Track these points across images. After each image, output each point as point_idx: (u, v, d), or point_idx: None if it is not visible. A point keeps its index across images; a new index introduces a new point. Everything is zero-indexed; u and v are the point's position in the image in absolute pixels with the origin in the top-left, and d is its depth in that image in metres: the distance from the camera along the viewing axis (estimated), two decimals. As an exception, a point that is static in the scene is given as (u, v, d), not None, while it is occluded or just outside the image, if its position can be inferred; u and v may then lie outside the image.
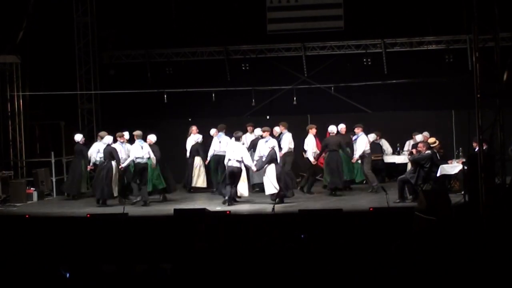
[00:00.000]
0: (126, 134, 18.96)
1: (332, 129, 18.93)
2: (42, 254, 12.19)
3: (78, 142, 19.82)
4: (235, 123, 20.48)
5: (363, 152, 19.06)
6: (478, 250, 10.88)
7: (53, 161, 20.68)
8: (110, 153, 18.32)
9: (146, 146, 18.19)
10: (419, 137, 19.25)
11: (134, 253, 12.99)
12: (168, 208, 16.97)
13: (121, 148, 18.62)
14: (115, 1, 22.98)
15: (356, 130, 19.39)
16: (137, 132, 18.37)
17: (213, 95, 22.18)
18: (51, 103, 22.53)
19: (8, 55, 21.44)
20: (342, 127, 19.34)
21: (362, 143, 19.11)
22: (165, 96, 22.24)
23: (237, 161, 17.49)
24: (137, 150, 18.15)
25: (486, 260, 10.22)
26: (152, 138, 18.52)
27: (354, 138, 19.33)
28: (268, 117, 22.16)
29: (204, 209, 15.24)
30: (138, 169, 18.14)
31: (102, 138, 19.05)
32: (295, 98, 22.07)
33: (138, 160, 18.12)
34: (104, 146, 18.68)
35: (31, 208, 18.74)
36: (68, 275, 10.09)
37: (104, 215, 15.79)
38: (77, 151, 19.83)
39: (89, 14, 22.76)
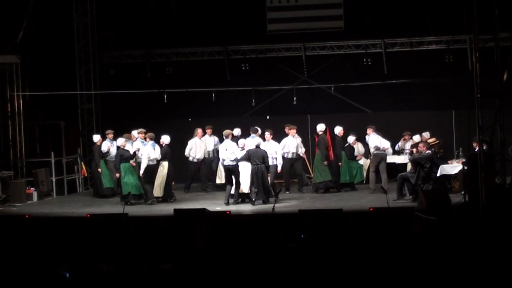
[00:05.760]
0: (134, 133, 19.07)
1: (321, 127, 19.10)
2: (42, 254, 12.18)
3: (96, 143, 19.91)
4: (235, 123, 20.46)
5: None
6: (478, 250, 10.88)
7: (53, 161, 20.69)
8: (121, 155, 18.46)
9: (157, 148, 18.25)
10: (416, 138, 19.28)
11: (134, 253, 12.98)
12: (168, 208, 16.98)
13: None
14: (115, 1, 22.98)
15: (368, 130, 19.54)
16: (150, 134, 18.44)
17: (213, 95, 22.19)
18: (51, 103, 22.54)
19: (8, 55, 21.46)
20: (340, 130, 19.45)
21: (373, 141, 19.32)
22: (165, 96, 22.25)
23: (230, 160, 17.65)
24: (150, 151, 18.21)
25: (486, 260, 10.22)
26: (165, 139, 18.62)
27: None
28: (268, 117, 22.17)
29: (204, 209, 15.25)
30: (150, 171, 18.15)
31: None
32: (295, 98, 22.08)
33: (149, 162, 18.14)
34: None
35: (31, 208, 18.74)
36: (68, 275, 10.09)
37: (104, 215, 15.79)
38: (94, 152, 19.99)
39: (89, 14, 22.78)
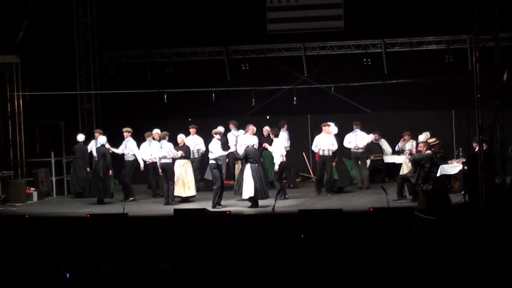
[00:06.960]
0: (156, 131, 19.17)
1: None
2: (42, 254, 12.18)
3: (80, 142, 19.91)
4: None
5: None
6: (478, 250, 10.87)
7: (53, 161, 20.68)
8: (104, 154, 18.61)
9: (165, 145, 18.24)
10: (422, 137, 19.29)
11: (134, 253, 12.98)
12: (168, 208, 16.99)
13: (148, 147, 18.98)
14: (115, 1, 22.99)
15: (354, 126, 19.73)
16: (163, 133, 18.52)
17: (213, 95, 22.18)
18: (51, 103, 22.54)
19: (8, 55, 21.45)
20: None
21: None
22: (165, 96, 22.25)
23: (212, 159, 17.80)
24: (156, 150, 18.30)
25: (486, 260, 10.22)
26: (184, 138, 18.80)
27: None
28: (268, 117, 22.16)
29: (204, 209, 15.25)
30: (162, 168, 18.24)
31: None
32: (295, 98, 22.07)
33: (162, 160, 18.20)
34: (99, 145, 18.88)
35: (31, 208, 18.74)
36: (68, 275, 10.08)
37: (104, 215, 15.79)
38: (79, 151, 19.93)
39: (89, 14, 22.80)
